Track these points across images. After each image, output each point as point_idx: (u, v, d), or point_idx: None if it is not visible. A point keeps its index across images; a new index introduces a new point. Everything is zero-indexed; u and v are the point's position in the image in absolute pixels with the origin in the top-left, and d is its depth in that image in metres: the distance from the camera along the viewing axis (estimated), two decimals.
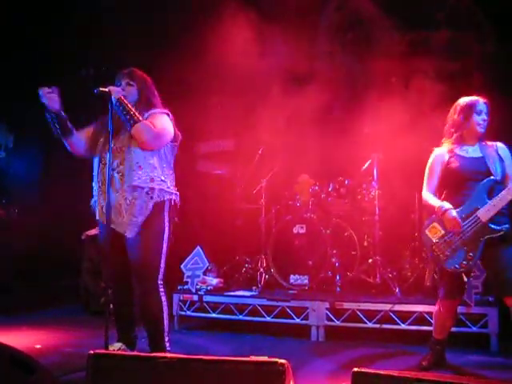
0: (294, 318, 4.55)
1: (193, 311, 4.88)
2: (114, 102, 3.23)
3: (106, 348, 3.13)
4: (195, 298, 4.84)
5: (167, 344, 3.40)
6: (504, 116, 4.03)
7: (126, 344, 3.52)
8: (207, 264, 4.97)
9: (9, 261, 5.88)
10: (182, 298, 4.88)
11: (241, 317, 4.72)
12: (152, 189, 3.33)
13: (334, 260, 5.16)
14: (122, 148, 3.35)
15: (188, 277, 4.95)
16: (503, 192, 3.19)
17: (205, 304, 4.82)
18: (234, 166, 6.18)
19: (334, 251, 5.19)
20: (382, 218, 5.26)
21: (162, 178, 3.40)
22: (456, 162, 3.36)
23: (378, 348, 4.07)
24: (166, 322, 3.40)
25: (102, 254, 3.69)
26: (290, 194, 5.62)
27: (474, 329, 4.09)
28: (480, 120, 3.37)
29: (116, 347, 3.46)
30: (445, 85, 4.73)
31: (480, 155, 3.36)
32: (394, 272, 5.05)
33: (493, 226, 3.20)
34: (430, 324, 3.84)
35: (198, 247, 5.02)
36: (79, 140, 3.47)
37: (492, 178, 3.26)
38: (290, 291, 4.98)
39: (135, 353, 3.21)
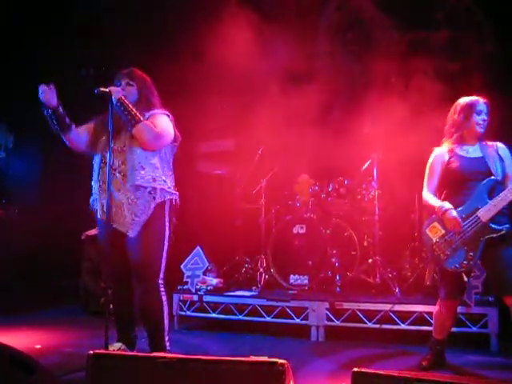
0: (293, 318, 4.55)
1: (193, 311, 4.88)
2: (114, 103, 3.24)
3: (106, 348, 3.13)
4: (195, 298, 4.84)
5: (167, 343, 3.40)
6: (504, 116, 4.03)
7: (126, 344, 3.53)
8: (207, 264, 4.97)
9: (9, 261, 5.87)
10: (181, 297, 4.88)
11: (241, 317, 4.72)
12: (154, 189, 3.35)
13: (333, 260, 5.16)
14: (124, 148, 3.36)
15: (188, 277, 4.95)
16: (504, 192, 3.20)
17: (205, 304, 4.82)
18: (234, 166, 6.17)
19: (334, 251, 5.19)
20: (381, 218, 5.26)
21: (163, 178, 3.42)
22: (456, 162, 3.36)
23: (377, 348, 4.07)
24: (166, 321, 3.40)
25: (101, 253, 3.69)
26: (290, 193, 5.62)
27: (474, 329, 4.09)
28: (480, 120, 3.37)
29: (116, 347, 3.46)
30: (445, 85, 4.73)
31: (480, 155, 3.37)
32: (394, 272, 5.05)
33: (493, 226, 3.20)
34: (429, 324, 3.84)
35: (198, 247, 5.02)
36: (78, 136, 3.47)
37: (493, 177, 3.26)
38: (290, 291, 4.98)
39: (135, 353, 3.21)
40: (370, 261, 5.15)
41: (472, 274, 3.76)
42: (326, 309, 4.44)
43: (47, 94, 3.23)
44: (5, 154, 6.60)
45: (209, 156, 6.71)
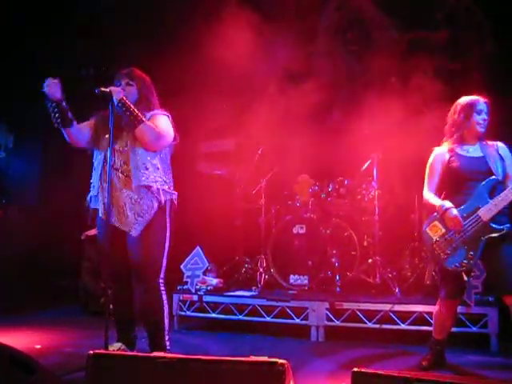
0: (293, 318, 4.55)
1: (193, 311, 4.88)
2: (115, 103, 3.23)
3: (106, 348, 3.13)
4: (195, 298, 4.84)
5: (167, 343, 3.40)
6: (504, 116, 4.03)
7: (126, 344, 3.52)
8: (207, 264, 4.97)
9: (9, 261, 5.87)
10: (181, 298, 4.88)
11: (241, 317, 4.72)
12: (157, 189, 3.37)
13: (333, 260, 5.16)
14: (125, 148, 3.37)
15: (188, 277, 4.95)
16: (505, 192, 3.20)
17: (205, 304, 4.82)
18: (234, 166, 6.17)
19: (334, 251, 5.19)
20: (381, 218, 5.26)
21: (164, 179, 3.45)
22: (457, 162, 3.36)
23: (377, 348, 4.07)
24: (166, 320, 3.40)
25: (101, 253, 3.69)
26: (290, 193, 5.61)
27: (474, 329, 4.09)
28: (480, 119, 3.37)
29: (116, 347, 3.46)
30: (444, 85, 4.73)
31: (481, 155, 3.37)
32: (394, 272, 5.05)
33: (494, 226, 3.20)
34: (429, 324, 3.84)
35: (198, 247, 5.02)
36: (79, 132, 3.46)
37: (494, 177, 3.26)
38: (290, 291, 4.98)
39: (135, 353, 3.21)
40: (369, 261, 5.15)
41: (472, 274, 3.76)
42: (326, 309, 4.43)
43: (52, 87, 3.23)
44: (5, 154, 6.59)
45: (209, 156, 6.71)
